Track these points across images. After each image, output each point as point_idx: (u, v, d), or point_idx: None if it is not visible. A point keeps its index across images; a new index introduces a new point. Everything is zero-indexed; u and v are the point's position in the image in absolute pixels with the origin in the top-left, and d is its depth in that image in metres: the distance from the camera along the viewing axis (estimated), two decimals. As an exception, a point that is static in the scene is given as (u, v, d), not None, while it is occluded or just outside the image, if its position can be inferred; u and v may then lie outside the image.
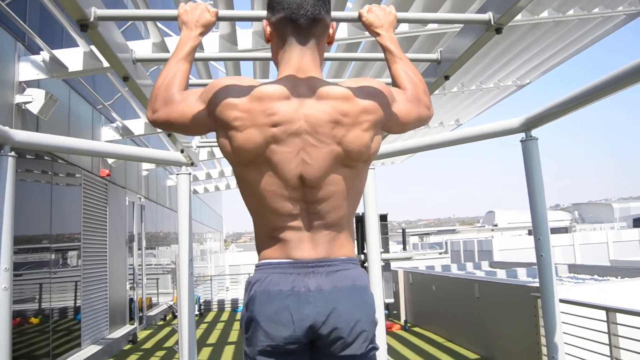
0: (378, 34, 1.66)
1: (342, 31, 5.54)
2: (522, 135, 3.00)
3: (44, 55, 5.67)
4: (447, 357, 6.96)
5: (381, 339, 3.50)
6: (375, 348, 1.46)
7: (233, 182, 17.64)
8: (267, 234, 1.48)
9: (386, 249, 4.61)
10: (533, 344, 5.52)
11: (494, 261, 13.75)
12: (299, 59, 1.48)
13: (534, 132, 2.98)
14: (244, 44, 5.49)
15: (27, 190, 6.18)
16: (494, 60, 7.83)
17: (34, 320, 6.18)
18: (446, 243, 26.11)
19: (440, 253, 23.61)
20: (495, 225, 42.25)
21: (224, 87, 1.44)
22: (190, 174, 3.43)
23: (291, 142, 1.40)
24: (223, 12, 1.76)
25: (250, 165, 1.43)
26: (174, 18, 1.65)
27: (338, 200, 1.46)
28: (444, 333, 8.21)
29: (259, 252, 1.51)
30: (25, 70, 5.74)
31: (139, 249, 10.87)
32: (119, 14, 1.91)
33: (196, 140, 3.57)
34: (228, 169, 14.71)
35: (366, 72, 7.23)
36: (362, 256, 4.45)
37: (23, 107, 5.69)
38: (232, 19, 1.94)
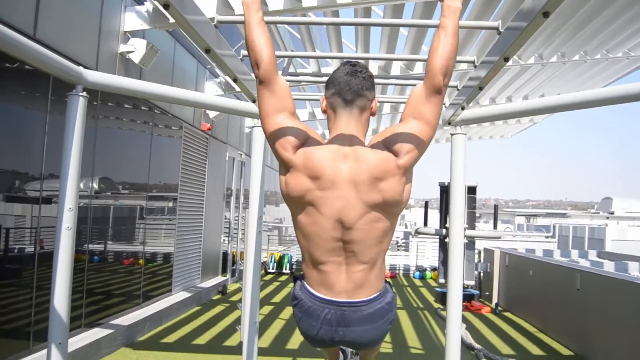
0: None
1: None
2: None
3: (148, 5, 5.77)
4: (536, 348, 6.46)
5: (456, 315, 3.21)
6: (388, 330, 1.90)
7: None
8: (312, 265, 1.81)
9: (471, 225, 4.22)
10: (637, 349, 4.92)
11: (604, 251, 12.62)
12: (346, 125, 1.81)
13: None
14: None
15: (127, 138, 6.43)
16: (624, 24, 6.92)
17: (130, 263, 6.51)
18: (554, 227, 24.52)
19: (547, 237, 22.26)
20: (612, 213, 39.13)
21: (305, 133, 1.80)
22: (265, 128, 3.29)
23: (336, 195, 1.73)
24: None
25: (300, 205, 1.79)
26: None
27: (371, 242, 1.76)
28: (536, 322, 7.65)
29: (306, 277, 1.86)
30: (130, 20, 5.89)
31: (237, 204, 11.12)
32: None
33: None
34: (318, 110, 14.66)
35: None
36: (444, 231, 4.12)
37: (126, 57, 5.86)
38: None
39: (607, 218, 36.13)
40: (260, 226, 3.23)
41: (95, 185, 5.57)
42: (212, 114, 8.95)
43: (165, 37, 7.11)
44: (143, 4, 5.83)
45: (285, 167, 1.76)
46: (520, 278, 8.51)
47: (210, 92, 8.74)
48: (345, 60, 1.92)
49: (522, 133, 16.71)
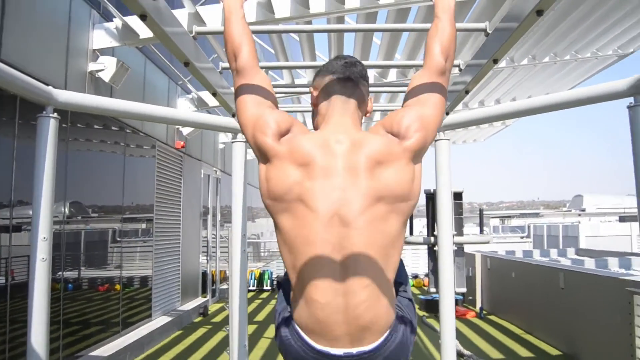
0: None
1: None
2: (631, 100, 2.49)
3: (117, 22, 5.63)
4: (525, 350, 6.44)
5: (450, 325, 3.15)
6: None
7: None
8: (299, 290, 1.41)
9: (460, 232, 4.19)
10: (625, 345, 4.93)
11: (581, 248, 12.77)
12: (340, 116, 1.56)
13: (646, 98, 2.47)
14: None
15: (99, 160, 6.25)
16: (592, 25, 7.03)
17: (106, 289, 6.29)
18: (529, 227, 24.83)
19: (522, 237, 22.51)
20: (583, 210, 39.85)
21: (290, 122, 1.50)
22: (245, 142, 3.19)
23: (331, 185, 1.42)
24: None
25: (284, 208, 1.46)
26: None
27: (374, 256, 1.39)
28: (522, 324, 7.65)
29: (292, 308, 1.45)
30: (99, 37, 5.73)
31: (214, 222, 10.95)
32: None
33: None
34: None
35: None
36: (432, 239, 4.07)
37: (96, 75, 5.70)
38: None
39: (579, 215, 36.77)
40: (244, 244, 3.12)
41: (68, 211, 5.38)
42: (185, 131, 8.79)
43: (136, 54, 6.96)
44: (112, 21, 5.69)
45: (265, 157, 1.45)
46: (502, 280, 8.52)
47: (183, 108, 8.59)
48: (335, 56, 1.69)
49: (494, 135, 16.89)
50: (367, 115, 1.64)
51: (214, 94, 2.29)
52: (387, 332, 1.38)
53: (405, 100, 1.61)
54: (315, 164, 1.40)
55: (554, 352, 6.32)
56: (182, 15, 5.19)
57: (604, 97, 2.65)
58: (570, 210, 42.43)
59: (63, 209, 5.25)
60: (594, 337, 5.60)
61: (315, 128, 1.60)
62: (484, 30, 1.99)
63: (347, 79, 1.56)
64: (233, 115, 2.70)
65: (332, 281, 1.33)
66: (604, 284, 5.49)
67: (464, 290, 4.40)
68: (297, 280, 1.39)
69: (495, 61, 2.01)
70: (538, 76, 9.56)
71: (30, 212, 2.40)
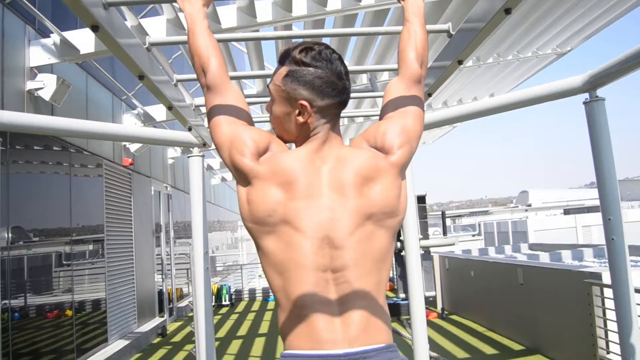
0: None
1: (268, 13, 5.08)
2: (586, 95, 2.54)
3: (55, 38, 5.38)
4: (489, 347, 6.52)
5: (421, 329, 3.13)
6: None
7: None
8: (291, 313, 1.31)
9: (425, 235, 4.16)
10: (586, 336, 5.04)
11: (534, 243, 13.14)
12: (328, 132, 1.43)
13: (600, 92, 2.52)
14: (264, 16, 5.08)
15: (43, 182, 5.94)
16: (532, 25, 7.24)
17: (56, 315, 5.98)
18: (479, 225, 25.43)
19: (474, 235, 23.02)
20: (529, 206, 41.23)
21: (265, 138, 1.41)
22: (202, 156, 3.07)
23: (317, 206, 1.34)
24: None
25: (269, 232, 1.37)
26: None
27: (369, 267, 1.33)
28: (484, 322, 7.76)
29: (285, 338, 1.34)
30: (36, 54, 5.46)
31: (167, 239, 10.66)
32: None
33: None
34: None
35: (394, 48, 6.75)
36: (399, 244, 4.03)
37: (35, 94, 5.42)
38: None
39: (526, 210, 38.01)
40: (207, 262, 2.99)
41: (10, 236, 5.07)
42: (133, 147, 8.51)
43: (76, 71, 6.68)
44: (49, 37, 5.42)
45: (245, 179, 1.37)
46: (462, 280, 8.63)
47: (129, 124, 8.31)
48: (310, 46, 1.44)
49: (442, 137, 17.21)
50: None
51: (170, 108, 2.18)
52: (390, 343, 1.33)
53: (383, 110, 1.55)
54: (299, 182, 1.33)
55: (517, 347, 6.42)
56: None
57: (560, 94, 2.69)
58: (517, 206, 43.81)
59: (6, 235, 4.95)
60: (555, 329, 5.72)
61: (297, 143, 1.48)
62: (447, 31, 1.97)
63: (344, 102, 1.46)
64: (189, 129, 2.58)
65: (326, 300, 1.29)
66: (562, 277, 5.62)
67: (433, 293, 4.38)
68: (289, 304, 1.32)
69: (460, 62, 1.99)
70: (482, 77, 9.78)
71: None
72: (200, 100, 2.81)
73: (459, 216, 45.52)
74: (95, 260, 7.29)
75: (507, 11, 1.55)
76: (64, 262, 6.31)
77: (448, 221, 38.99)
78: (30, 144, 5.56)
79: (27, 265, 5.53)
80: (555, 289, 5.71)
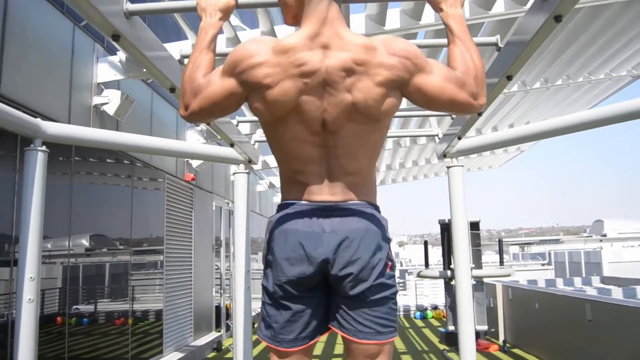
0: (441, 9, 1.53)
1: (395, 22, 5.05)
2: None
3: (121, 55, 5.59)
4: (553, 386, 6.10)
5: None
6: (390, 287, 1.49)
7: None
8: (290, 178, 1.53)
9: (478, 264, 3.92)
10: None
11: (607, 276, 12.32)
12: (326, 10, 1.44)
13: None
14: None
15: (105, 193, 6.15)
16: (604, 46, 6.87)
17: (113, 323, 6.12)
18: (549, 254, 24.26)
19: (543, 264, 21.95)
20: (604, 236, 39.08)
21: (245, 52, 1.43)
22: (248, 173, 3.03)
23: (316, 92, 1.40)
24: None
25: (281, 120, 1.45)
26: (194, 8, 1.55)
27: (355, 149, 1.47)
28: (547, 358, 7.28)
29: (282, 195, 1.56)
30: (103, 71, 5.69)
31: (227, 254, 10.78)
32: (147, 8, 1.59)
33: (257, 135, 3.17)
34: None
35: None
36: (449, 272, 3.82)
37: (100, 109, 5.64)
38: (254, 6, 1.57)
39: (601, 241, 36.05)
40: (248, 281, 2.94)
41: (74, 244, 5.25)
42: (195, 163, 8.70)
43: (142, 87, 6.92)
44: (116, 54, 5.64)
45: (260, 84, 1.42)
46: (526, 312, 8.17)
47: (192, 140, 8.52)
48: None
49: (509, 162, 16.64)
50: None
51: (208, 123, 2.15)
52: (365, 201, 1.52)
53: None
54: (306, 67, 1.40)
55: (582, 387, 5.97)
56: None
57: (628, 115, 2.46)
58: (591, 236, 41.66)
59: (67, 243, 5.13)
60: (625, 371, 5.26)
61: (295, 21, 1.53)
62: (495, 44, 1.83)
63: None
64: (231, 145, 2.55)
65: (318, 171, 1.50)
66: (636, 315, 5.18)
67: (484, 327, 4.12)
68: (286, 171, 1.56)
69: (510, 77, 1.84)
70: (551, 100, 9.38)
71: (18, 251, 2.25)
72: (242, 117, 2.78)
73: (528, 244, 43.81)
74: (154, 272, 7.45)
75: (558, 19, 1.42)
76: (123, 272, 6.47)
77: (516, 249, 37.63)
78: (94, 155, 5.77)
79: (87, 273, 5.70)
80: (628, 328, 5.27)
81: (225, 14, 1.57)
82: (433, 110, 1.57)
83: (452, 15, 1.51)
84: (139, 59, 1.47)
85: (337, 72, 1.40)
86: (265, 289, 1.53)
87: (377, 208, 1.54)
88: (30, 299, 2.23)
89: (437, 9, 1.55)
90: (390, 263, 1.49)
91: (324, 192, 1.47)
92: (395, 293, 1.51)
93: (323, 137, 1.45)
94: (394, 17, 5.08)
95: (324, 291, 1.50)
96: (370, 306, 1.45)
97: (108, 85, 5.75)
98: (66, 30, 5.16)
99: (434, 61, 1.49)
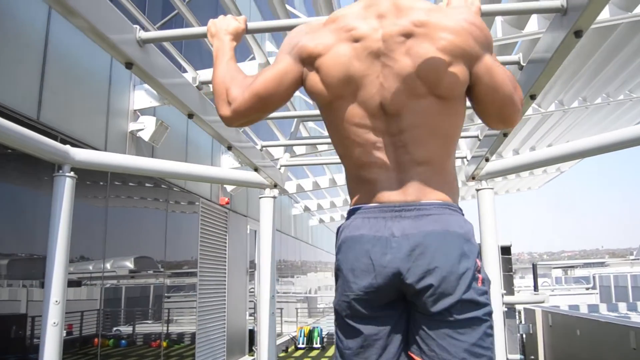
0: None
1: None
2: None
3: (156, 82, 5.73)
4: (597, 418, 5.82)
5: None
6: (483, 305, 1.21)
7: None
8: (355, 177, 1.36)
9: (510, 290, 3.77)
10: None
11: (654, 302, 11.80)
12: None
13: None
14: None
15: (140, 216, 6.26)
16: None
17: (147, 345, 6.17)
18: (594, 277, 23.45)
19: (587, 288, 21.23)
20: (653, 259, 37.56)
21: (297, 31, 1.39)
22: (274, 197, 3.04)
23: (371, 63, 1.27)
24: (253, 24, 1.62)
25: (337, 99, 1.31)
26: (205, 35, 1.58)
27: (423, 134, 1.28)
28: (592, 387, 6.97)
29: (350, 198, 1.39)
30: (140, 98, 5.85)
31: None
32: (160, 35, 1.63)
33: (284, 160, 3.18)
34: (339, 176, 14.43)
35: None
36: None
37: (136, 135, 5.77)
38: (263, 31, 1.58)
39: (649, 264, 34.65)
40: (273, 307, 2.92)
41: (109, 266, 5.35)
42: (229, 187, 8.80)
43: (178, 113, 7.01)
44: (151, 82, 5.79)
45: (313, 54, 1.32)
46: (567, 339, 7.86)
47: (227, 165, 8.63)
48: None
49: (549, 183, 16.26)
50: None
51: (229, 148, 2.17)
52: (442, 201, 1.29)
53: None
54: (360, 43, 1.30)
55: (629, 420, 5.68)
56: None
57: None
58: (638, 259, 40.10)
59: (102, 265, 5.22)
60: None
61: None
62: (518, 62, 1.79)
63: None
64: (255, 170, 2.56)
65: (387, 163, 1.32)
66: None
67: (517, 357, 3.96)
68: (351, 167, 1.39)
69: (533, 97, 1.79)
70: (591, 119, 9.15)
71: (45, 275, 2.30)
72: (267, 142, 2.80)
73: (572, 267, 42.50)
74: (188, 294, 7.51)
75: (578, 34, 1.37)
76: (157, 294, 6.54)
77: (559, 272, 36.51)
78: (129, 179, 5.90)
79: (122, 295, 5.79)
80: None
81: (236, 37, 1.55)
82: (481, 108, 1.36)
83: None
84: (154, 86, 1.49)
85: (395, 38, 1.26)
86: (334, 308, 1.34)
87: (458, 209, 1.33)
88: (55, 323, 2.26)
89: None
90: (480, 276, 1.24)
91: (393, 190, 1.29)
92: (490, 314, 1.24)
93: (385, 121, 1.28)
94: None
95: (402, 309, 1.28)
96: (458, 328, 1.19)
97: (144, 111, 5.90)
98: (104, 60, 5.33)
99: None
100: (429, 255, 1.21)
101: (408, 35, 1.25)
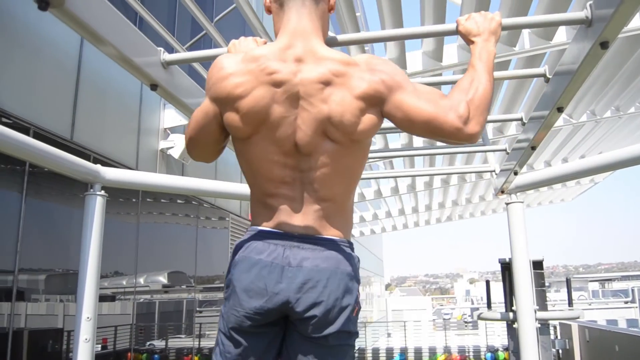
0: (472, 42, 1.49)
1: (451, 56, 5.13)
2: None
3: (186, 101, 5.84)
4: None
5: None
6: (354, 334, 1.38)
7: (389, 224, 17.18)
8: (261, 202, 1.42)
9: (543, 306, 3.67)
10: None
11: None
12: (297, 21, 1.41)
13: None
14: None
15: (170, 232, 6.35)
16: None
17: (180, 359, 6.22)
18: (633, 290, 22.75)
19: (626, 302, 20.64)
20: (696, 272, 36.23)
21: (215, 67, 1.39)
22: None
23: (289, 106, 1.33)
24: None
25: (252, 136, 1.36)
26: None
27: (331, 174, 1.37)
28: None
29: (252, 219, 1.45)
30: (170, 117, 5.97)
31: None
32: (183, 57, 1.65)
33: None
34: (381, 211, 14.36)
35: (519, 99, 6.41)
36: (511, 314, 3.63)
37: (166, 153, 5.88)
38: None
39: (692, 277, 33.46)
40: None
41: (141, 281, 5.43)
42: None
43: (206, 130, 7.17)
44: (181, 100, 5.91)
45: (232, 95, 1.35)
46: (604, 355, 7.62)
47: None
48: None
49: (584, 194, 15.90)
50: (330, 11, 1.50)
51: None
52: (338, 238, 1.39)
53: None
54: (280, 87, 1.34)
55: None
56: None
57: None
58: (680, 271, 38.73)
59: (134, 280, 5.31)
60: None
61: (276, 34, 1.47)
62: (544, 75, 1.77)
63: None
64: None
65: (291, 195, 1.39)
66: None
67: (551, 375, 3.86)
68: (257, 193, 1.43)
69: (560, 109, 1.76)
70: (624, 128, 8.94)
71: (77, 291, 2.35)
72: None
73: (609, 280, 41.34)
74: (219, 309, 7.54)
75: (604, 45, 1.35)
76: (189, 309, 6.61)
77: (596, 285, 35.53)
78: (160, 196, 6.00)
79: (154, 310, 5.87)
80: None
81: None
82: (414, 133, 1.44)
83: (481, 48, 1.46)
84: (178, 106, 1.52)
85: (313, 84, 1.32)
86: (221, 315, 1.45)
87: (350, 244, 1.44)
88: (86, 339, 2.30)
89: (469, 42, 1.50)
90: (357, 307, 1.40)
91: (295, 221, 1.37)
92: (356, 338, 1.42)
93: (296, 159, 1.36)
94: (415, 59, 5.16)
95: (282, 325, 1.39)
96: (330, 351, 1.36)
97: (174, 130, 6.01)
98: (135, 80, 5.43)
99: (420, 84, 1.42)
100: (318, 289, 1.33)
101: (327, 83, 1.32)
